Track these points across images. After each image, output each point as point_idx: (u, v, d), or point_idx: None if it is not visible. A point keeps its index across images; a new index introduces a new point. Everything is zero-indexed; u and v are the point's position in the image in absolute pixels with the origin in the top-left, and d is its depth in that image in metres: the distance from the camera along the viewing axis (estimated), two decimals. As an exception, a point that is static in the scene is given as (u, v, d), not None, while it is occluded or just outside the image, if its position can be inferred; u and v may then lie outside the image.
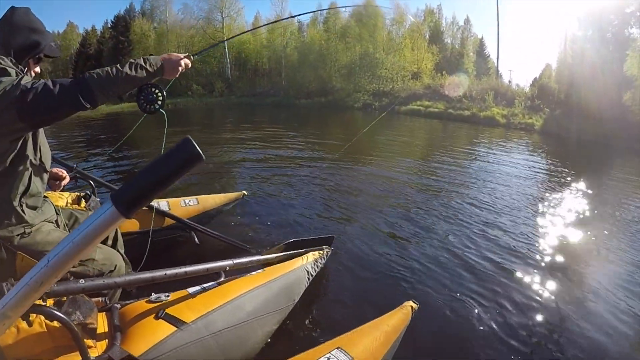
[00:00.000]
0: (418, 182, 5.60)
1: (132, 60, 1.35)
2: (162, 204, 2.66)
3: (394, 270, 2.83)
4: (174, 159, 0.56)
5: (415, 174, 6.14)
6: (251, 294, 1.64)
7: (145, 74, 1.38)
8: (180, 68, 1.51)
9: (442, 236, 3.49)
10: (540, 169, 7.23)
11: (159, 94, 1.56)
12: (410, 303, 1.75)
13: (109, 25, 35.07)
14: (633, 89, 14.09)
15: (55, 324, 1.11)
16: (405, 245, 3.30)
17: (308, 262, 2.07)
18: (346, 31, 26.94)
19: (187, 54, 1.60)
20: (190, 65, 1.58)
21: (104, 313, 1.37)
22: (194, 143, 0.55)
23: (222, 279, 1.69)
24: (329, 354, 1.33)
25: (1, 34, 1.33)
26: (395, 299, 2.17)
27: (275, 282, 1.79)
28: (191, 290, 1.55)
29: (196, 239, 2.65)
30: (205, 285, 1.61)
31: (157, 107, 1.57)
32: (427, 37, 28.69)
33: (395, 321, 1.62)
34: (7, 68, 1.28)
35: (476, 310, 2.32)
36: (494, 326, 2.19)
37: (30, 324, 1.11)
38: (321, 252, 2.26)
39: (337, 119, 16.39)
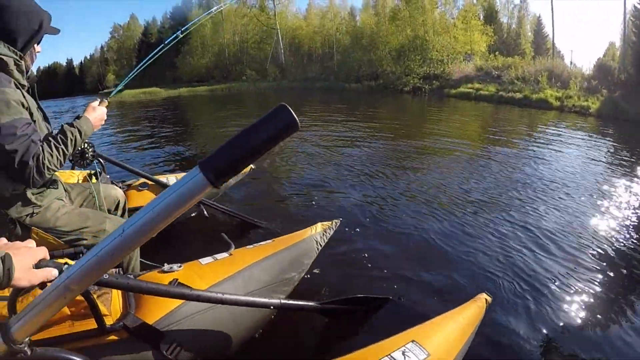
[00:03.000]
0: (470, 165, 5.19)
1: (71, 137, 1.39)
2: (170, 178, 2.74)
3: (455, 259, 2.58)
4: (268, 127, 0.51)
5: (468, 159, 5.60)
6: (261, 264, 1.65)
7: (81, 141, 1.46)
8: (105, 118, 1.61)
9: (508, 227, 3.09)
10: (599, 155, 6.24)
11: (91, 151, 2.04)
12: (484, 295, 1.55)
13: (168, 16, 38.31)
14: None
15: None
16: (464, 231, 2.99)
17: (317, 232, 2.03)
18: (395, 14, 26.44)
19: (102, 99, 1.65)
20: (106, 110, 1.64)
21: None
22: (290, 109, 0.51)
23: (233, 249, 1.74)
24: (404, 347, 1.22)
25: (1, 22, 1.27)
26: (462, 291, 2.11)
27: (284, 252, 1.79)
28: (203, 261, 1.59)
29: (205, 213, 2.67)
30: (216, 255, 1.65)
31: (90, 160, 2.08)
32: (482, 17, 26.78)
33: (469, 314, 1.45)
34: (3, 57, 1.26)
35: (550, 308, 2.10)
36: (568, 327, 1.97)
37: None
38: (330, 223, 2.15)
39: (386, 102, 16.18)
